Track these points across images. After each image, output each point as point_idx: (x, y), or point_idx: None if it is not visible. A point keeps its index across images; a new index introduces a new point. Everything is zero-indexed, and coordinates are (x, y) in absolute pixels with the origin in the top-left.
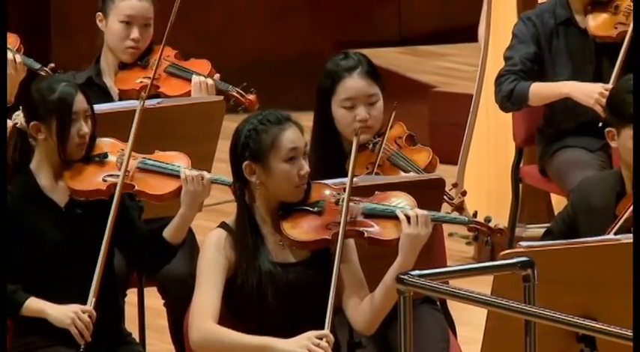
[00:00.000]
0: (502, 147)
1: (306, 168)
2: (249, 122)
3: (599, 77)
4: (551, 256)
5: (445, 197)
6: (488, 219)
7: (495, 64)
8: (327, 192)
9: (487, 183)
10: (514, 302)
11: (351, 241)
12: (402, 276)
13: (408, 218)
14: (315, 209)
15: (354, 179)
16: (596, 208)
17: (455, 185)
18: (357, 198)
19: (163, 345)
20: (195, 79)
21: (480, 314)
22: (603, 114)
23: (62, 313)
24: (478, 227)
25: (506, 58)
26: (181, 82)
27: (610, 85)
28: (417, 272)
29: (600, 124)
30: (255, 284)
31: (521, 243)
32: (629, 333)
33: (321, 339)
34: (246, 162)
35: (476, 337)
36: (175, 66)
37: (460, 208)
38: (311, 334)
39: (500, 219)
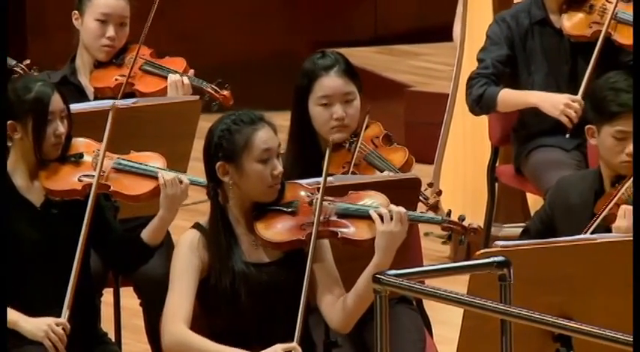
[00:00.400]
0: (478, 147)
1: (279, 168)
2: (223, 122)
3: (575, 77)
4: (527, 255)
5: (420, 197)
6: (462, 218)
7: (471, 63)
8: (302, 192)
9: (463, 182)
10: (490, 302)
11: (326, 240)
12: (379, 276)
13: (382, 216)
14: (289, 209)
15: (330, 178)
16: (574, 207)
17: (430, 185)
18: (331, 198)
19: (139, 345)
20: (171, 78)
21: (456, 313)
22: (569, 125)
23: (35, 327)
24: (452, 226)
25: (479, 60)
26: (156, 79)
27: (578, 97)
28: (393, 271)
29: (567, 135)
30: (229, 284)
31: (497, 242)
32: (606, 332)
33: None
34: (219, 163)
35: (452, 336)
36: (150, 63)
37: (435, 208)
38: (279, 347)
39: (476, 219)
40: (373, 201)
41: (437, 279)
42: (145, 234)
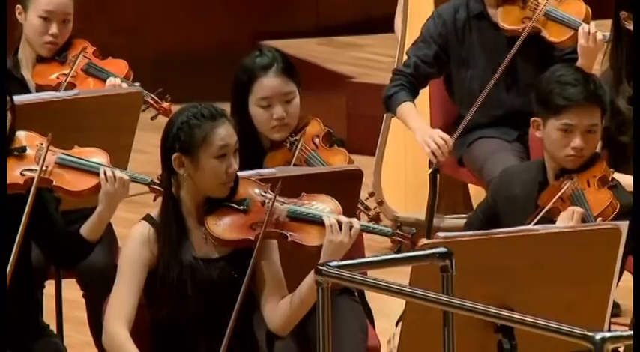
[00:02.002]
0: None
1: (234, 166)
2: (184, 114)
3: (513, 71)
4: (468, 246)
5: (361, 207)
6: (412, 233)
7: None
8: (255, 190)
9: (405, 174)
10: (432, 293)
11: (274, 240)
12: (321, 267)
13: (333, 225)
14: (241, 207)
15: (272, 170)
16: (517, 198)
17: (372, 194)
18: (284, 200)
19: (81, 337)
20: (110, 82)
21: (399, 305)
22: (433, 160)
23: None
24: (401, 239)
25: (407, 54)
26: (97, 81)
27: (448, 137)
28: (335, 263)
29: (430, 171)
30: (176, 276)
31: (439, 233)
32: (546, 323)
33: None
34: (175, 154)
35: (394, 328)
36: (93, 65)
37: (377, 219)
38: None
39: (418, 210)
40: (325, 207)
41: (379, 271)
42: (84, 230)
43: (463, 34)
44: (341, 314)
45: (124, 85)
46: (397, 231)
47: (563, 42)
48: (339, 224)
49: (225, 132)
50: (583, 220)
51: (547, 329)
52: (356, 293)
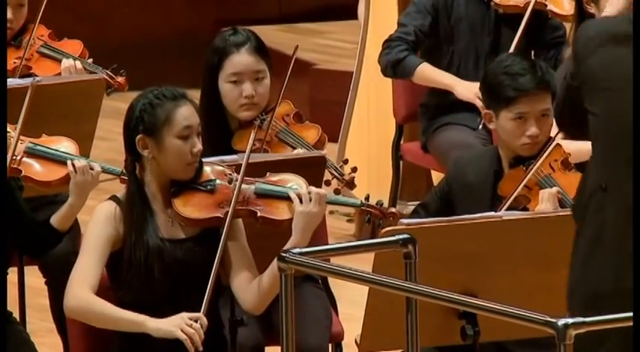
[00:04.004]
0: (382, 125)
1: (198, 146)
2: (145, 96)
3: (496, 49)
4: (432, 233)
5: (335, 172)
6: (380, 203)
7: (375, 41)
8: (220, 170)
9: (368, 160)
10: (395, 280)
11: (240, 222)
12: (283, 254)
13: (301, 197)
14: (208, 187)
15: (235, 157)
16: (472, 185)
17: (345, 161)
18: (251, 179)
19: (44, 324)
20: (64, 63)
21: (362, 291)
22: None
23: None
24: (370, 210)
25: (400, 24)
26: (53, 63)
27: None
28: (298, 249)
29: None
30: (143, 258)
31: (402, 220)
32: (509, 309)
33: (196, 321)
34: (139, 136)
35: (357, 314)
36: (47, 46)
37: (351, 184)
38: (185, 315)
39: (381, 197)
40: (292, 184)
41: (342, 257)
42: (55, 220)
43: (451, 8)
44: (304, 301)
45: (78, 63)
46: (366, 202)
47: (570, 16)
48: (308, 194)
49: (187, 112)
50: (560, 201)
51: (510, 315)
52: (319, 280)
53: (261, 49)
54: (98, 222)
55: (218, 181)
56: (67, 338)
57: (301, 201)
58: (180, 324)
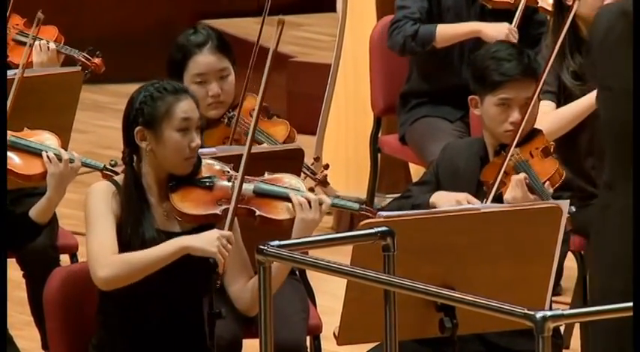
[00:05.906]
0: (360, 118)
1: (197, 141)
2: (146, 89)
3: (481, 42)
4: (410, 226)
5: (308, 171)
6: (377, 208)
7: (353, 34)
8: (218, 168)
9: (345, 153)
10: (373, 272)
11: (236, 222)
12: (262, 247)
13: (302, 204)
14: (207, 184)
15: (212, 149)
16: (460, 172)
17: (317, 159)
18: (250, 178)
19: (22, 317)
20: (36, 43)
21: (340, 284)
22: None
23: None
24: (369, 215)
25: (401, 7)
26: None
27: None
28: (276, 242)
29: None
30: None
31: (380, 212)
32: (487, 302)
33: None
34: (138, 128)
35: (335, 307)
36: (22, 34)
37: (324, 182)
38: (217, 232)
39: (359, 189)
40: (292, 184)
41: (320, 250)
42: (33, 213)
43: None
44: (283, 294)
45: (52, 44)
46: (364, 207)
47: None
48: (309, 202)
49: (187, 106)
50: (529, 187)
51: (488, 308)
52: (297, 273)
53: (222, 47)
54: (97, 198)
55: (217, 178)
56: (44, 330)
57: (303, 207)
58: (218, 245)
